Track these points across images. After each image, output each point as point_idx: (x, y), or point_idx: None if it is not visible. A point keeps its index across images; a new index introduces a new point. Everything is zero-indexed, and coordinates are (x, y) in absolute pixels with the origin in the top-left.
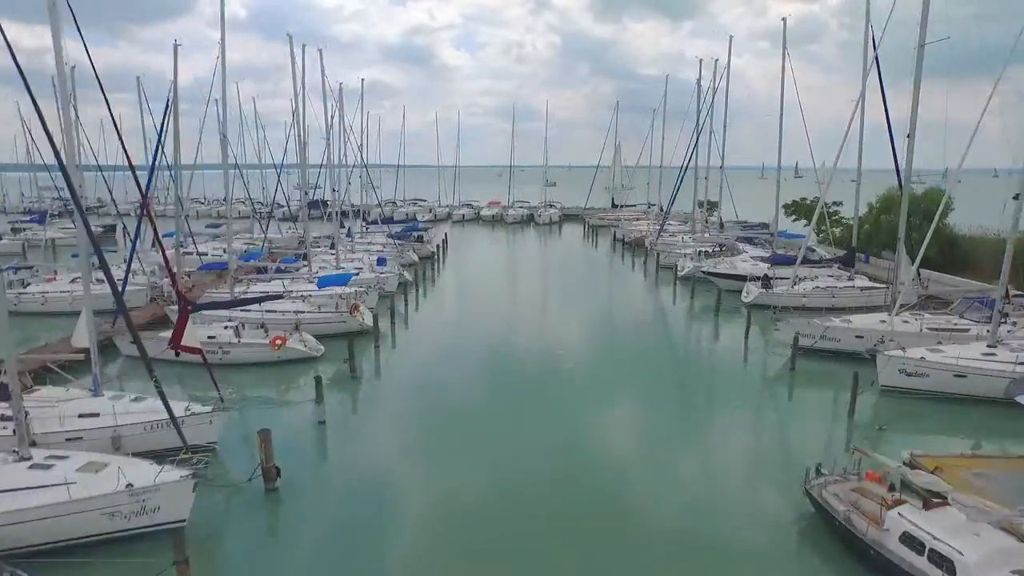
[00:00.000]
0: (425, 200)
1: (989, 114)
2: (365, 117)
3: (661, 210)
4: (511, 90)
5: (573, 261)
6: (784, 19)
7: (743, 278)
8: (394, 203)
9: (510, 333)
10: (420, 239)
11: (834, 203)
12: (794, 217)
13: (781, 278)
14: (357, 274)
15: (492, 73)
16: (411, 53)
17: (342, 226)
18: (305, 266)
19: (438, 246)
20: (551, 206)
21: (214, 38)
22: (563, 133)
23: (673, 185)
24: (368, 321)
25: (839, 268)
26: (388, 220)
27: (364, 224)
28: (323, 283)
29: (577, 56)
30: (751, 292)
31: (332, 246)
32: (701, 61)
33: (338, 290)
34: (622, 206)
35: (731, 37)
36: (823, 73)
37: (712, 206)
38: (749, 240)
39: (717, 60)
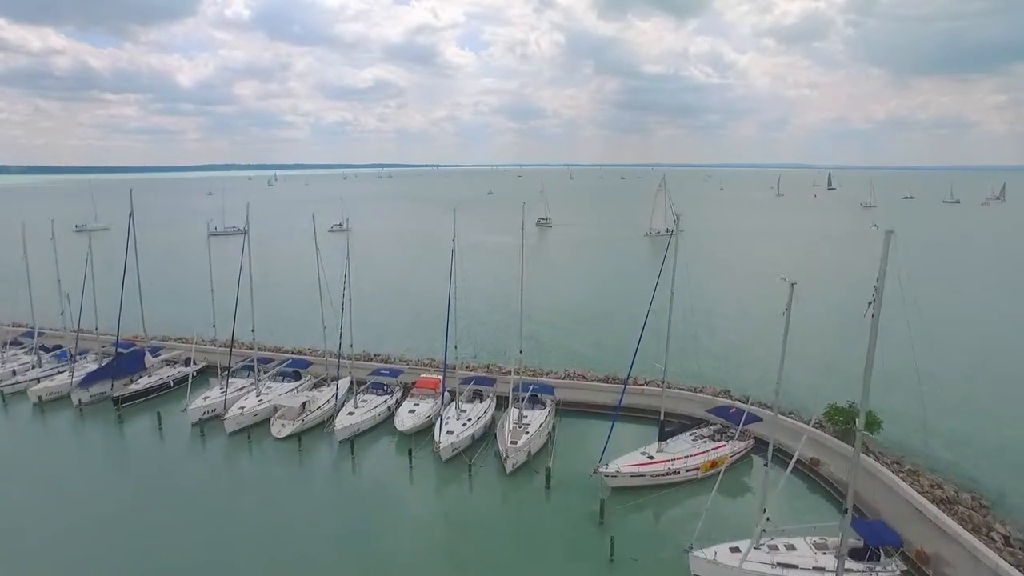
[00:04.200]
0: (309, 362)
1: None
2: None
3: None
4: (515, 88)
5: None
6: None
7: None
8: (262, 368)
9: None
10: None
11: None
12: None
13: None
14: None
15: (496, 71)
16: (415, 52)
17: None
18: None
19: None
20: (527, 426)
21: (218, 38)
22: (568, 131)
23: None
24: None
25: None
26: None
27: None
28: None
29: (581, 54)
30: None
31: None
32: None
33: None
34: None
35: None
36: (827, 71)
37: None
38: None
39: None
